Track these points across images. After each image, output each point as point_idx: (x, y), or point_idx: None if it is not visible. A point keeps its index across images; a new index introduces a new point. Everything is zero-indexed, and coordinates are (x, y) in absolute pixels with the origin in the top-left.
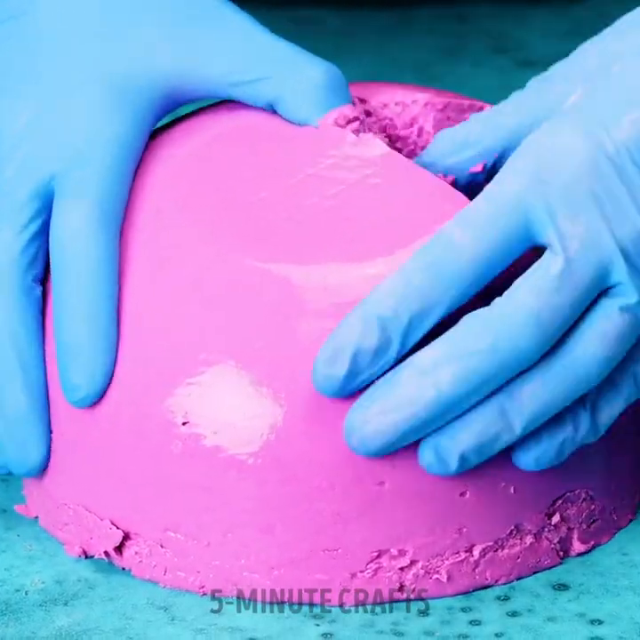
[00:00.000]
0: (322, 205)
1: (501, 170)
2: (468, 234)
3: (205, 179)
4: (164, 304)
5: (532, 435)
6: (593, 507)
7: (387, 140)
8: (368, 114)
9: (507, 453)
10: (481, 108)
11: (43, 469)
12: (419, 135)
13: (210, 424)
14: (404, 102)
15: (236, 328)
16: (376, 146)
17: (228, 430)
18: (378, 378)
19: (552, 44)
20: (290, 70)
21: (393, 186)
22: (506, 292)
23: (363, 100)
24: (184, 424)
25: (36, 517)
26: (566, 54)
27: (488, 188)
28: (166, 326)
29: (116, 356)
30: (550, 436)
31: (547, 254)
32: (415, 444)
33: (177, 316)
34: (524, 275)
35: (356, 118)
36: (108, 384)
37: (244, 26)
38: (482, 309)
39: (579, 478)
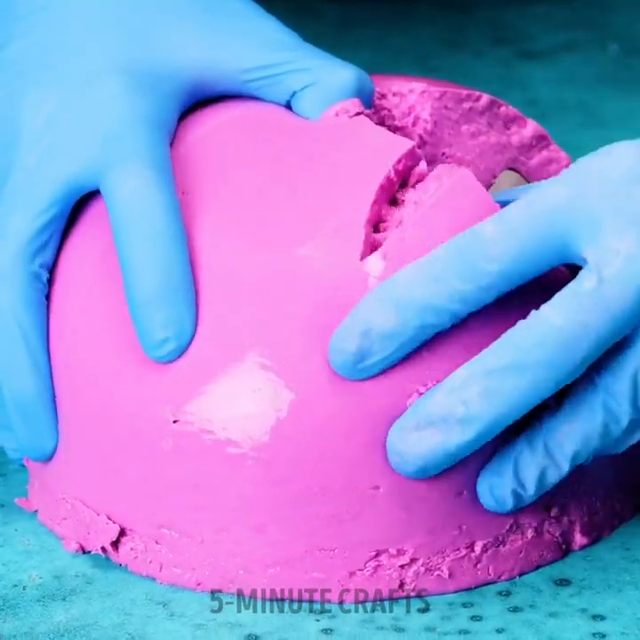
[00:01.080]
0: (322, 193)
1: (546, 180)
2: (500, 230)
3: (208, 165)
4: None
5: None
6: (594, 498)
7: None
8: (369, 105)
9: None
10: (478, 98)
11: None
12: (414, 125)
13: (201, 422)
14: (400, 92)
15: (230, 326)
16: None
17: (220, 429)
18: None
19: (553, 34)
20: (322, 72)
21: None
22: (533, 311)
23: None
24: (175, 422)
25: (36, 511)
26: (567, 45)
27: (530, 193)
28: None
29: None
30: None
31: (582, 272)
32: None
33: None
34: (559, 293)
35: (359, 113)
36: (193, 336)
37: (271, 25)
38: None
39: (573, 471)
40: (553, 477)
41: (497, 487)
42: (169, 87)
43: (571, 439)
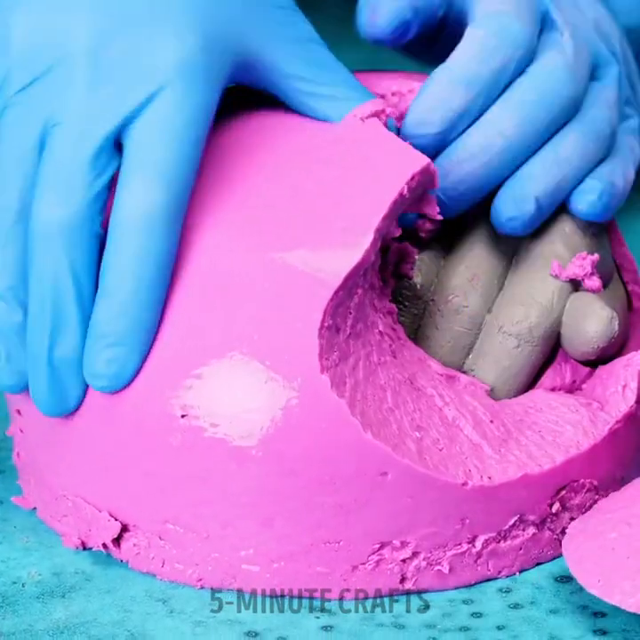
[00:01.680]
0: (333, 196)
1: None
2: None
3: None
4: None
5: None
6: (597, 497)
7: None
8: None
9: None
10: None
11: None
12: None
13: (209, 417)
14: (400, 92)
15: (235, 321)
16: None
17: (228, 423)
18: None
19: None
20: (356, 98)
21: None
22: (535, 64)
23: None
24: (183, 416)
25: (34, 509)
26: None
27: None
28: (165, 320)
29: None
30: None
31: (552, 34)
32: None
33: (175, 310)
34: (543, 52)
35: (378, 112)
36: (132, 381)
37: (320, 47)
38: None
39: (584, 469)
40: (564, 190)
41: (520, 191)
42: (221, 57)
43: (574, 150)
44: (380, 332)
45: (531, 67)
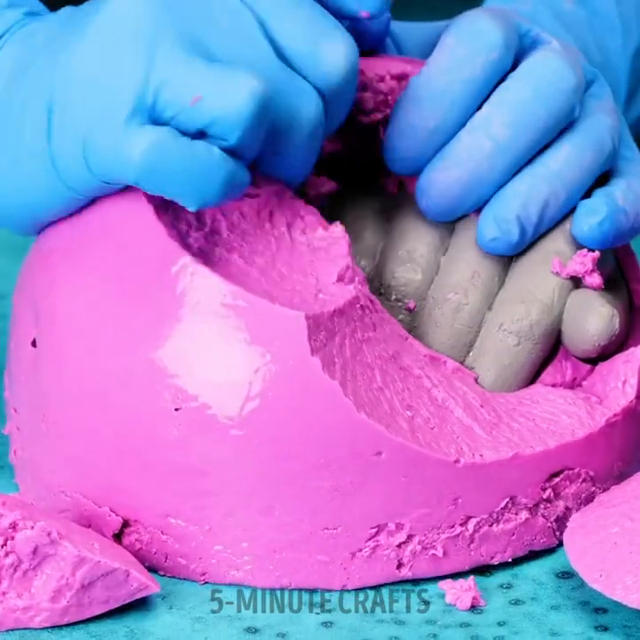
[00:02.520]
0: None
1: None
2: None
3: None
4: None
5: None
6: (593, 489)
7: (381, 116)
8: (364, 87)
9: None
10: None
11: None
12: None
13: (203, 408)
14: (400, 74)
15: (227, 314)
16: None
17: (222, 412)
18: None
19: None
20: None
21: None
22: (526, 60)
23: (360, 72)
24: (176, 409)
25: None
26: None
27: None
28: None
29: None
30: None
31: (538, 45)
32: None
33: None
34: (531, 54)
35: None
36: None
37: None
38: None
39: (579, 457)
40: (554, 207)
41: (502, 212)
42: None
43: (567, 165)
44: (361, 306)
45: (520, 64)
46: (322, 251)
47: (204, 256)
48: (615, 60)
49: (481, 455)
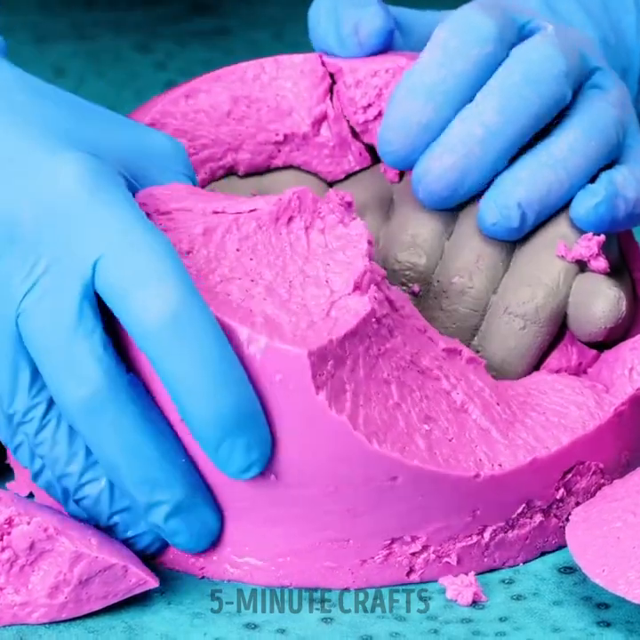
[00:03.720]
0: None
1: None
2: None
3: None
4: None
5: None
6: (602, 480)
7: (376, 112)
8: (358, 83)
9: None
10: None
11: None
12: None
13: None
14: (393, 68)
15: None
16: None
17: None
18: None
19: None
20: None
21: None
22: (517, 48)
23: (354, 70)
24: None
25: (30, 494)
26: None
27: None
28: None
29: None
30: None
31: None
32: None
33: None
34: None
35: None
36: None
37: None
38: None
39: (590, 450)
40: (557, 195)
41: (503, 198)
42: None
43: (571, 152)
44: (376, 319)
45: (511, 51)
46: (339, 252)
47: (200, 285)
48: (629, 41)
49: (500, 465)
